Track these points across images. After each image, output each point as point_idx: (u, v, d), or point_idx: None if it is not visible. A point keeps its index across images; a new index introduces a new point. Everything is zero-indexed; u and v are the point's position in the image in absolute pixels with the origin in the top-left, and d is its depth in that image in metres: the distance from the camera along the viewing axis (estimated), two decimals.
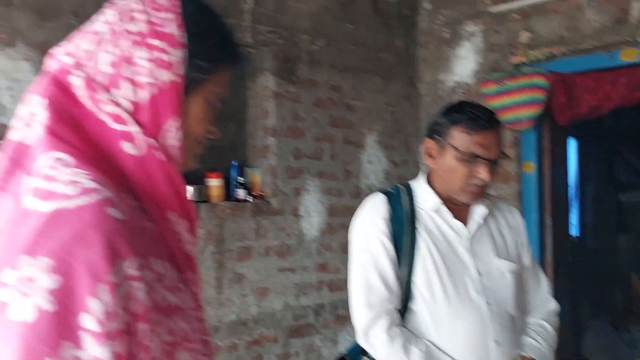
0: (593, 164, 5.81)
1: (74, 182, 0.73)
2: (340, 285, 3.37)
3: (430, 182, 1.66)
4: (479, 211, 1.65)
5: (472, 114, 1.55)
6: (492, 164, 1.56)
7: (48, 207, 0.70)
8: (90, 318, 0.66)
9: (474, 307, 1.53)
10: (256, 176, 3.17)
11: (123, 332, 0.68)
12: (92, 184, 0.73)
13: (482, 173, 1.54)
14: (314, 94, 3.32)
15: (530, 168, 3.45)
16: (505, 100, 3.42)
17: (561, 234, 3.60)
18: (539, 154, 3.45)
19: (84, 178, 0.74)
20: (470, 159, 1.53)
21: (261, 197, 3.13)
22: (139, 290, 0.71)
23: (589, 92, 3.21)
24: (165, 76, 0.84)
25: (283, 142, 3.18)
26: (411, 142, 3.89)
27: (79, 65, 0.85)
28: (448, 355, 1.51)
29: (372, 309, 1.52)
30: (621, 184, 5.96)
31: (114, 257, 0.69)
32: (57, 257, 0.67)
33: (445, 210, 1.62)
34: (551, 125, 3.47)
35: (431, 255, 1.56)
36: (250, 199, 3.07)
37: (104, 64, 0.83)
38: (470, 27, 3.74)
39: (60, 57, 0.86)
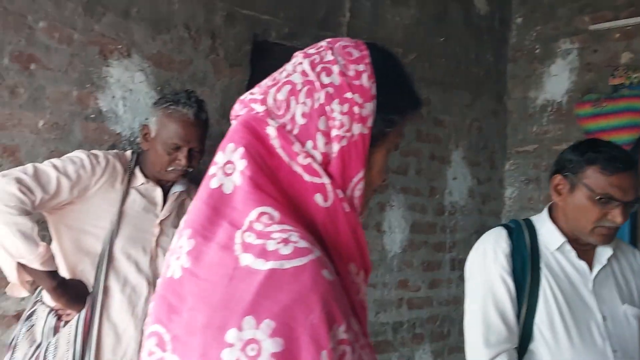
0: None
1: (287, 241, 0.72)
2: (419, 304, 3.32)
3: (553, 219, 1.60)
4: (604, 252, 1.59)
5: (609, 154, 1.49)
6: (627, 206, 1.50)
7: (264, 265, 0.70)
8: None
9: (598, 353, 1.47)
10: None
11: None
12: (304, 243, 0.73)
13: (617, 216, 1.48)
14: None
15: None
16: (602, 123, 3.29)
17: None
18: None
19: (294, 236, 0.73)
20: (605, 200, 1.48)
21: None
22: (347, 353, 0.71)
23: None
24: (357, 129, 0.83)
25: None
26: (497, 159, 3.80)
27: (272, 115, 0.84)
28: None
29: (490, 348, 1.47)
30: None
31: (331, 322, 0.69)
32: (280, 320, 0.67)
33: (569, 250, 1.57)
34: None
35: (554, 295, 1.51)
36: None
37: (299, 115, 0.83)
38: (566, 44, 3.61)
39: (253, 105, 0.86)
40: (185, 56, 2.36)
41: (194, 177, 2.18)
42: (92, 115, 2.14)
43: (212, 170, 0.82)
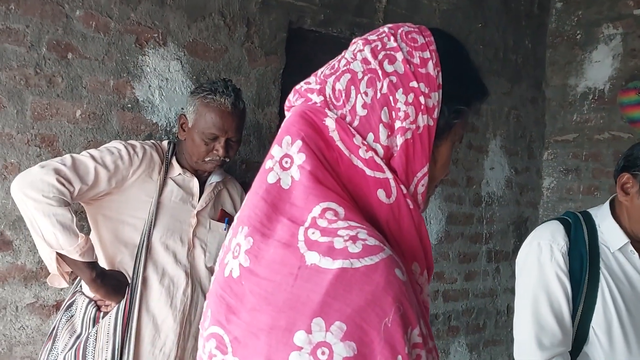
0: None
1: (355, 238, 0.68)
2: (455, 296, 3.26)
3: (615, 217, 1.52)
4: None
5: None
6: None
7: (333, 264, 0.66)
8: None
9: None
10: None
11: None
12: (373, 241, 0.69)
13: None
14: None
15: None
16: None
17: None
18: None
19: (362, 233, 0.69)
20: None
21: None
22: (422, 357, 0.67)
23: None
24: (423, 121, 0.78)
25: None
26: (535, 148, 3.70)
27: (330, 105, 0.80)
28: None
29: (544, 351, 1.41)
30: None
31: (406, 325, 0.65)
32: (352, 322, 0.63)
33: (632, 251, 1.49)
34: None
35: (612, 297, 1.44)
36: None
37: (359, 106, 0.78)
38: (609, 29, 3.48)
39: (310, 95, 0.82)
40: (220, 44, 2.32)
41: (229, 167, 2.16)
42: (129, 105, 2.12)
43: (268, 164, 0.78)
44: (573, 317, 1.44)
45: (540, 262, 1.47)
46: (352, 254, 0.67)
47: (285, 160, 0.77)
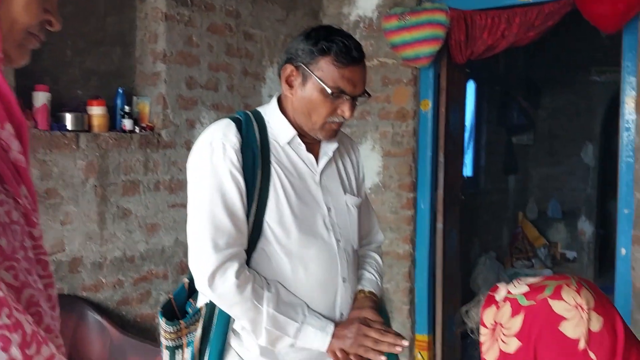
0: (489, 107, 6.01)
1: None
2: None
3: (283, 112, 1.50)
4: (330, 146, 1.55)
5: (343, 44, 1.39)
6: (354, 101, 1.45)
7: None
8: None
9: (325, 245, 1.46)
10: (144, 106, 2.96)
11: None
12: None
13: (346, 111, 1.42)
14: (208, 18, 3.11)
15: (427, 106, 3.47)
16: (406, 36, 3.38)
17: (453, 173, 3.70)
18: (436, 92, 3.47)
19: None
20: (336, 94, 1.40)
21: (150, 128, 2.94)
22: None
23: (486, 31, 3.23)
24: None
25: (174, 70, 2.98)
26: None
27: None
28: (298, 295, 1.42)
29: (219, 252, 1.35)
30: (513, 127, 6.23)
31: None
32: None
33: (299, 143, 1.49)
34: (448, 64, 3.49)
35: (284, 190, 1.44)
36: (137, 130, 2.87)
37: None
38: None
39: None
40: None
41: None
42: None
43: None
44: (248, 214, 1.41)
45: (212, 162, 1.40)
46: None
47: None
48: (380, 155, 3.61)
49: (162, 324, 1.50)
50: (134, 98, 2.96)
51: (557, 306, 0.97)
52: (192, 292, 1.55)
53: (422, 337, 3.44)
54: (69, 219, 2.57)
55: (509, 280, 1.12)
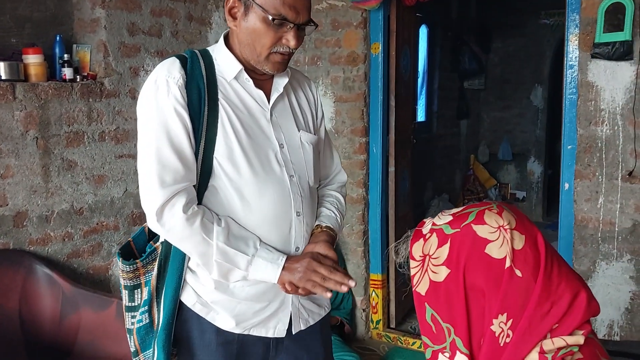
0: (442, 52, 6.02)
1: None
2: None
3: (229, 47, 1.48)
4: (280, 81, 1.54)
5: None
6: (301, 30, 1.43)
7: None
8: None
9: (277, 179, 1.47)
10: (85, 54, 2.85)
11: None
12: None
13: (291, 40, 1.40)
14: None
15: (377, 49, 3.44)
16: None
17: (405, 117, 3.72)
18: (386, 35, 3.45)
19: None
20: (279, 22, 1.38)
21: (92, 77, 2.84)
22: None
23: None
24: None
25: (115, 15, 2.86)
26: None
27: None
28: (251, 230, 1.44)
29: (166, 188, 1.36)
30: (465, 72, 6.28)
31: None
32: None
33: (247, 78, 1.48)
34: (398, 6, 3.46)
35: (233, 127, 1.43)
36: (78, 79, 2.77)
37: None
38: None
39: None
40: None
41: None
42: None
43: None
44: (197, 151, 1.41)
45: (157, 99, 1.39)
46: None
47: None
48: (332, 101, 3.59)
49: (119, 264, 1.51)
50: (74, 46, 2.84)
51: (480, 230, 0.99)
52: (153, 235, 1.55)
53: (376, 276, 3.53)
54: (10, 172, 2.49)
55: None
